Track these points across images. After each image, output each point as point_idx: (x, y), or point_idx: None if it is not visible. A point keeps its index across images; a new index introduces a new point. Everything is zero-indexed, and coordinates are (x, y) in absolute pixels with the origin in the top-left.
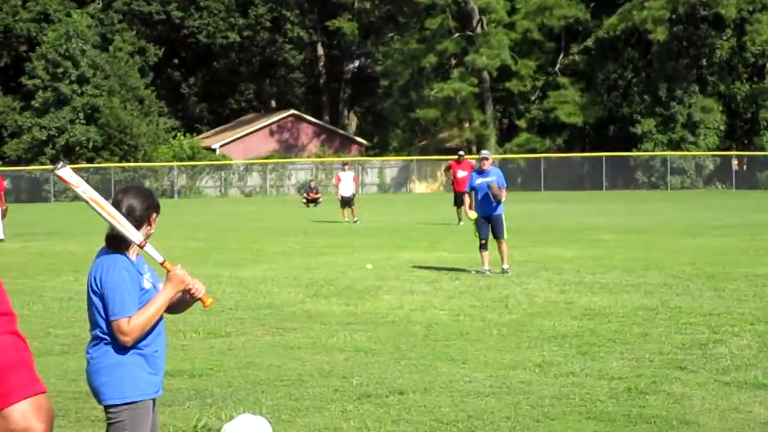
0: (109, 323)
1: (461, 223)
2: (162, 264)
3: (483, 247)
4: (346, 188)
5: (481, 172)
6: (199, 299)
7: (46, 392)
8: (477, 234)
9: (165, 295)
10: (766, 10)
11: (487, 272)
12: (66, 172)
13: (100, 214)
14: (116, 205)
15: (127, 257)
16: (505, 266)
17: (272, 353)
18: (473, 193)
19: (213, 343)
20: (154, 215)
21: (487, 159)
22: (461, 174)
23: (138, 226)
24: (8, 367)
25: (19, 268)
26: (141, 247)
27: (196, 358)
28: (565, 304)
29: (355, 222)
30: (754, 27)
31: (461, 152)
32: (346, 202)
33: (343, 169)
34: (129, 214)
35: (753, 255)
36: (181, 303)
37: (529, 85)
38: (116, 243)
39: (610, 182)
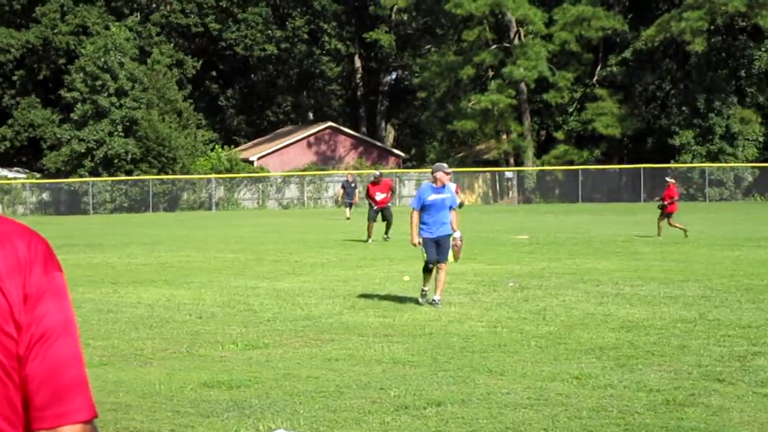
0: None
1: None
2: None
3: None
4: None
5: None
6: None
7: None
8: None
9: None
10: None
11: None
12: None
13: None
14: None
15: None
16: (437, 297)
17: (310, 365)
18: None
19: (251, 354)
20: None
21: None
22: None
23: None
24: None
25: None
26: None
27: (234, 369)
28: (603, 316)
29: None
30: None
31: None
32: None
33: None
34: None
35: None
36: None
37: (567, 97)
38: None
39: (649, 194)
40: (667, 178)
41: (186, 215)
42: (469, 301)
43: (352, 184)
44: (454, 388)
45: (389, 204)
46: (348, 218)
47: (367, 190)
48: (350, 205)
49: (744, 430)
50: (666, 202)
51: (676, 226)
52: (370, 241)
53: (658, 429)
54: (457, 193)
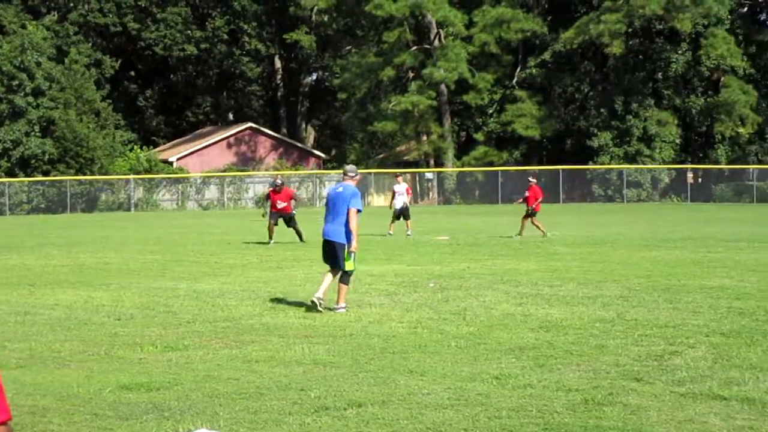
0: None
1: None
2: None
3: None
4: (400, 200)
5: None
6: None
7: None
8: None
9: None
10: (720, 25)
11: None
12: None
13: None
14: None
15: None
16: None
17: (230, 366)
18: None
19: (170, 356)
20: None
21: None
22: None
23: None
24: None
25: None
26: None
27: (154, 371)
28: (523, 317)
29: (409, 235)
30: (709, 41)
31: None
32: (399, 215)
33: (397, 182)
34: None
35: (707, 267)
36: None
37: (487, 99)
38: None
39: (567, 195)
40: (530, 178)
41: (104, 216)
42: (390, 302)
43: (281, 185)
44: (375, 389)
45: (293, 212)
46: None
47: (269, 197)
48: None
49: (661, 429)
50: (532, 206)
51: (537, 225)
52: (271, 243)
53: (577, 428)
54: (408, 194)
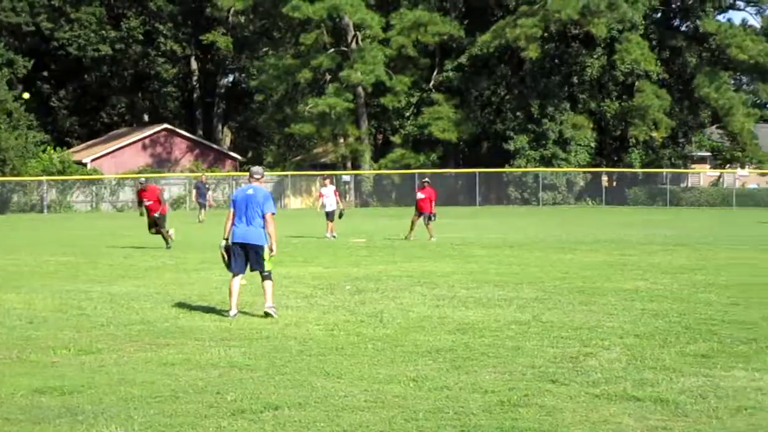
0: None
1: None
2: None
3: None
4: (330, 203)
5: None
6: None
7: None
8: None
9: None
10: (635, 30)
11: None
12: None
13: None
14: None
15: None
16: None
17: (145, 370)
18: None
19: (84, 360)
20: None
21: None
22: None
23: None
24: None
25: None
26: None
27: (67, 375)
28: (439, 319)
29: (334, 237)
30: (624, 46)
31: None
32: (331, 216)
33: (324, 185)
34: None
35: (621, 270)
36: None
37: (404, 101)
38: None
39: (484, 198)
40: (424, 179)
41: (16, 218)
42: (307, 304)
43: (206, 185)
44: (292, 392)
45: (159, 214)
46: (201, 221)
47: (138, 195)
48: (203, 207)
49: (576, 430)
50: (431, 213)
51: (427, 228)
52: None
53: (493, 429)
54: (336, 196)
